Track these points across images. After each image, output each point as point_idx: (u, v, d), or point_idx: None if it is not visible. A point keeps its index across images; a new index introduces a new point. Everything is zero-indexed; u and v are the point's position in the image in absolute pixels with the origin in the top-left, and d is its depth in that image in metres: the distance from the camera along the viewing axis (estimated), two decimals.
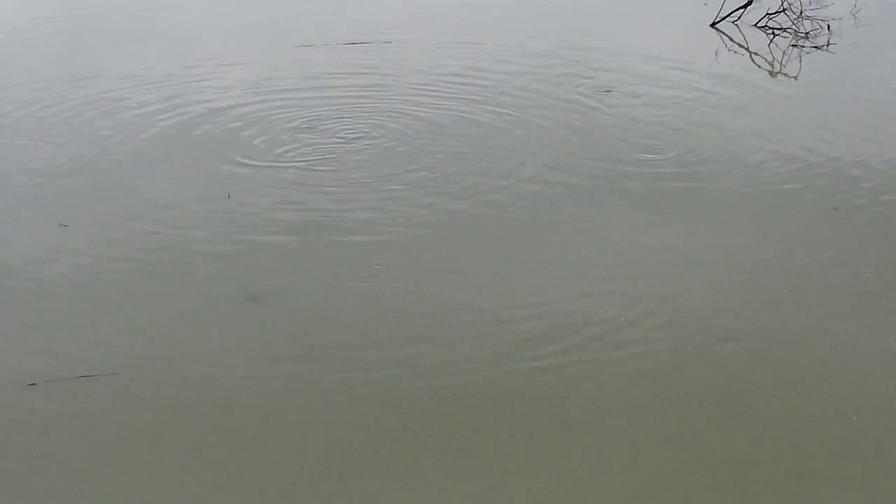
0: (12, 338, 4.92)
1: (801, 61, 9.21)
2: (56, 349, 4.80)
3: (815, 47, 9.62)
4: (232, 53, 9.31)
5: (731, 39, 9.89)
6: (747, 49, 9.58)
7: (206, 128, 7.42)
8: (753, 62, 9.21)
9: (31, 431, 4.30)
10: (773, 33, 10.07)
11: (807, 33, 10.02)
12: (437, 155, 6.91)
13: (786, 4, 10.40)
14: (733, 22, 10.33)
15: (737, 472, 4.07)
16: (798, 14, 10.34)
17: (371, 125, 7.39)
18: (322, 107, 7.76)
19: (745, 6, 10.40)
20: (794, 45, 9.68)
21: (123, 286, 5.33)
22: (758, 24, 10.24)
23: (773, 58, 9.31)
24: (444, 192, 6.33)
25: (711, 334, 4.91)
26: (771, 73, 8.95)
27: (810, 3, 10.54)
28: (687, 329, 4.94)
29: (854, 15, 10.57)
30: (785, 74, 8.91)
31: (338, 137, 7.18)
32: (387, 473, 4.08)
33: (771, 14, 10.32)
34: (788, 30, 10.16)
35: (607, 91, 8.01)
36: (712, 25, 10.23)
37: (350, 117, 7.54)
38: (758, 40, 9.83)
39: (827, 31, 10.06)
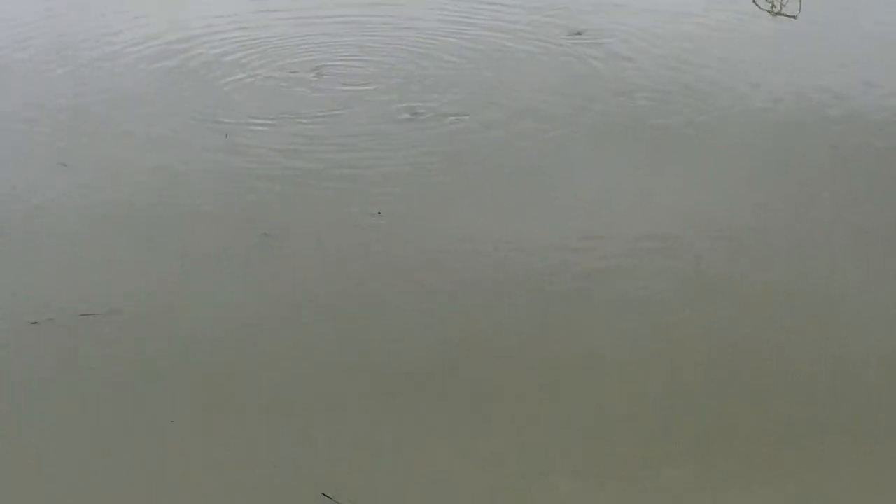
0: (13, 277, 4.94)
1: (800, 0, 9.14)
2: (57, 288, 4.82)
3: None
4: None
5: None
6: None
7: (206, 65, 7.39)
8: (752, 1, 9.14)
9: (33, 370, 4.33)
10: None
11: None
12: (437, 95, 6.88)
13: None
14: None
15: (735, 419, 4.09)
16: None
17: (365, 65, 7.36)
18: (323, 45, 7.72)
19: None
20: None
21: (125, 225, 5.35)
22: None
23: None
24: (449, 133, 6.32)
25: (708, 278, 4.92)
26: (770, 12, 8.89)
27: None
28: (684, 273, 4.96)
29: None
30: (784, 14, 8.85)
31: (337, 76, 7.15)
32: (392, 414, 4.11)
33: None
34: None
35: (578, 34, 7.95)
36: None
37: (344, 57, 7.50)
38: None
39: None
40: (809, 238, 5.24)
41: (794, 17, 8.69)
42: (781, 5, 9.07)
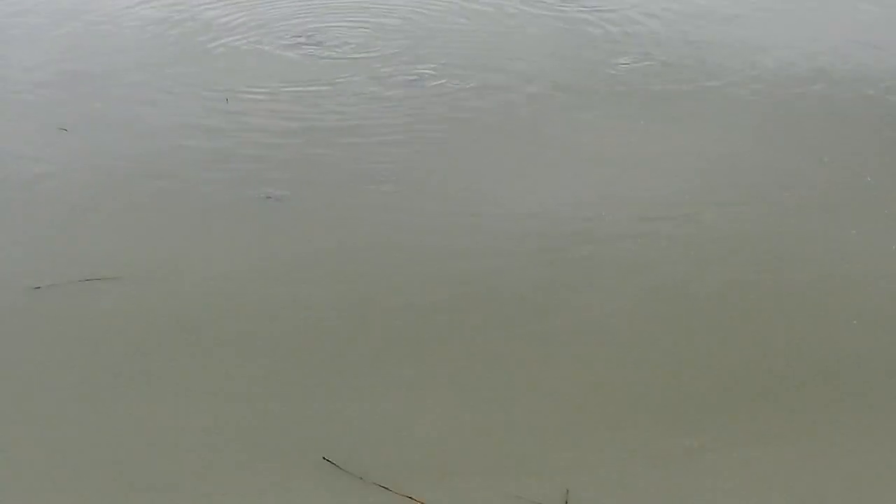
0: (15, 241, 4.93)
1: None
2: (59, 253, 4.81)
3: None
4: None
5: None
6: None
7: (206, 30, 7.37)
8: None
9: (35, 335, 4.33)
10: None
11: None
12: (437, 59, 6.87)
13: None
14: None
15: (737, 379, 4.10)
16: None
17: (366, 32, 7.35)
18: (316, 13, 7.70)
19: None
20: None
21: (127, 190, 5.34)
22: None
23: None
24: (452, 99, 6.30)
25: (712, 241, 4.93)
26: None
27: None
28: (687, 236, 4.96)
29: None
30: None
31: (335, 43, 7.13)
32: (389, 376, 4.11)
33: None
34: None
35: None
36: None
37: (342, 23, 7.49)
38: None
39: None
40: (810, 200, 5.26)
41: None
42: None
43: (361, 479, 3.67)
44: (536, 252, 4.84)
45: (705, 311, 4.48)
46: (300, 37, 7.21)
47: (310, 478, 3.69)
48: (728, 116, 6.14)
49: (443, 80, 6.51)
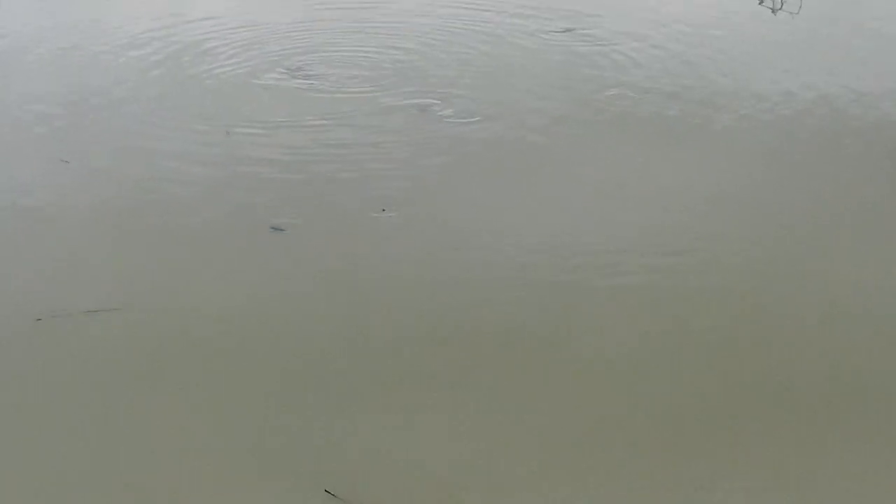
0: (17, 272, 4.92)
1: None
2: (62, 285, 4.80)
3: None
4: None
5: None
6: None
7: (208, 64, 7.39)
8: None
9: (38, 367, 4.30)
10: None
11: None
12: (441, 90, 6.88)
13: None
14: None
15: (740, 405, 4.09)
16: None
17: (362, 60, 7.37)
18: (312, 44, 7.72)
19: None
20: None
21: (130, 221, 5.33)
22: None
23: None
24: (455, 130, 6.31)
25: (713, 265, 4.93)
26: (772, 10, 8.91)
27: None
28: (688, 261, 4.96)
29: None
30: (786, 11, 8.87)
31: (331, 74, 7.14)
32: (391, 407, 4.09)
33: None
34: None
35: (566, 30, 7.97)
36: None
37: (340, 52, 7.51)
38: None
39: None
40: (811, 224, 5.26)
41: (796, 13, 8.72)
42: (783, 1, 9.10)
43: None
44: (538, 283, 4.83)
45: (708, 341, 4.47)
46: (300, 67, 7.23)
47: None
48: (732, 145, 6.15)
49: (447, 111, 6.52)
